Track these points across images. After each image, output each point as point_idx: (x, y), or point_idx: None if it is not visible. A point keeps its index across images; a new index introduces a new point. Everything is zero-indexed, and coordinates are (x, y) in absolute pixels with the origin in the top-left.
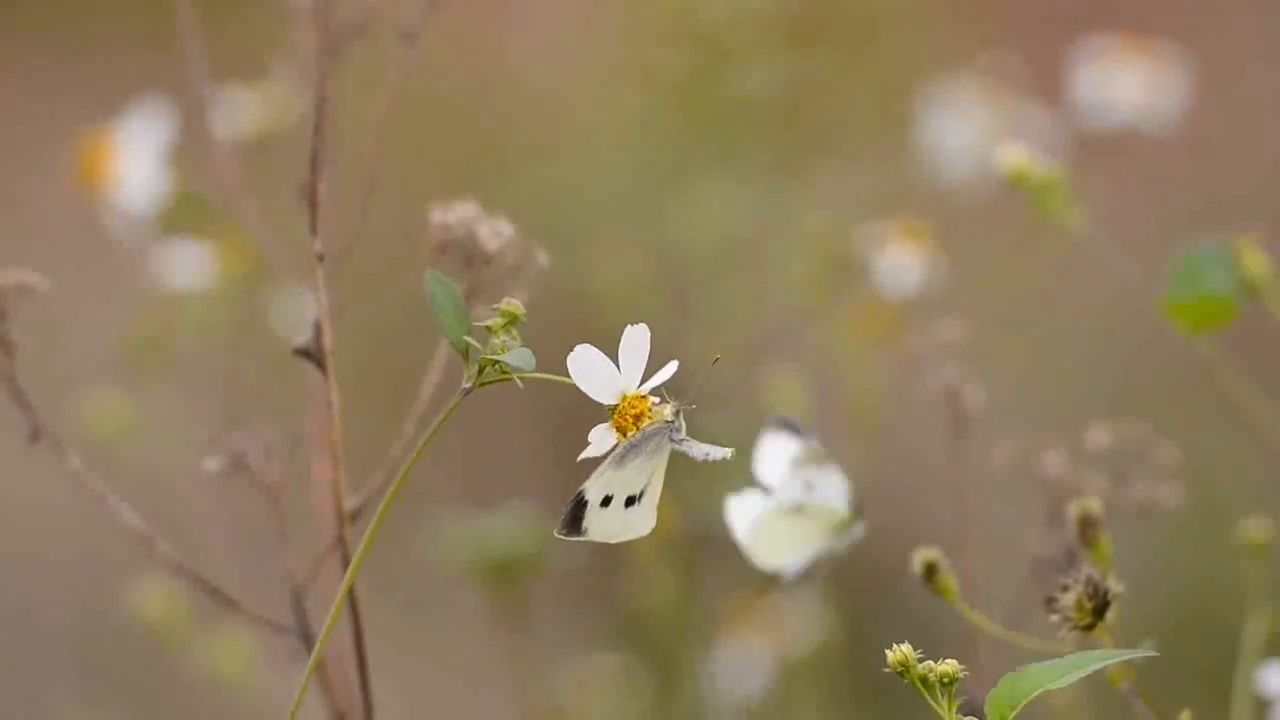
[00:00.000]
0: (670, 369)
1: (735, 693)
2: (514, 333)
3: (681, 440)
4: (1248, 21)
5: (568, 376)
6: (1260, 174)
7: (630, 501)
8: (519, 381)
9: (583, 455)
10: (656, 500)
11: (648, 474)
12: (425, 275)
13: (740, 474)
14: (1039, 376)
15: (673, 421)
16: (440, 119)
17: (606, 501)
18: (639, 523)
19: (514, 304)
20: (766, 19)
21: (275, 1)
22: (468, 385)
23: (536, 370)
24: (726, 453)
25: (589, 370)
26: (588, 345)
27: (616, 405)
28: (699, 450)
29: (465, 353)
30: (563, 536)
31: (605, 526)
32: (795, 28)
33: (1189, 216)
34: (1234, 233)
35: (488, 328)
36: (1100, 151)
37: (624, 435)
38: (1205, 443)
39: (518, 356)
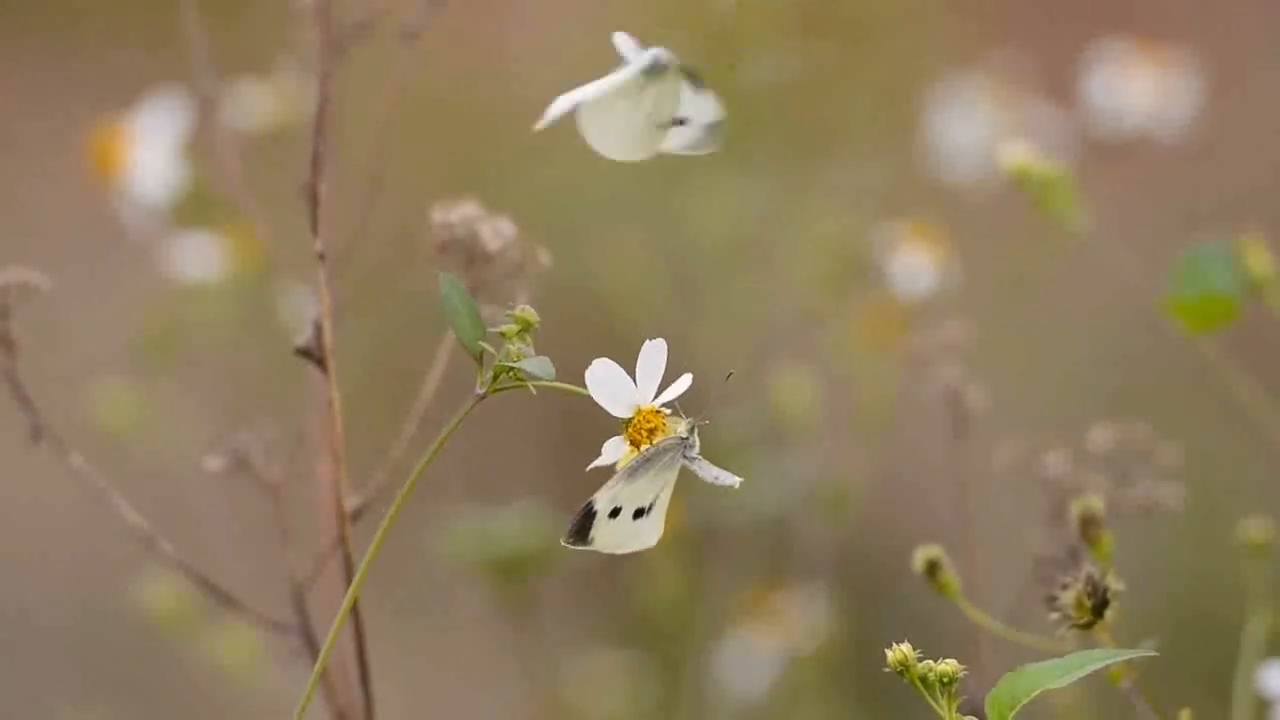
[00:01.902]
0: (684, 383)
1: (740, 690)
2: (527, 339)
3: (694, 459)
4: (1250, 22)
5: (577, 382)
6: (1263, 174)
7: (638, 513)
8: (533, 388)
9: (593, 465)
10: (664, 512)
11: (658, 488)
12: (439, 278)
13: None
14: (1041, 376)
15: (687, 438)
16: (441, 118)
17: (615, 513)
18: (646, 534)
19: (528, 311)
20: (770, 14)
21: (277, 0)
22: (481, 391)
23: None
24: (735, 481)
25: (606, 385)
26: (605, 360)
27: (631, 418)
28: (709, 472)
29: (479, 357)
30: (569, 546)
31: (612, 537)
32: (799, 23)
33: (1191, 216)
34: (1236, 232)
35: (501, 334)
36: (1105, 152)
37: (637, 449)
38: (1207, 443)
39: (536, 365)
